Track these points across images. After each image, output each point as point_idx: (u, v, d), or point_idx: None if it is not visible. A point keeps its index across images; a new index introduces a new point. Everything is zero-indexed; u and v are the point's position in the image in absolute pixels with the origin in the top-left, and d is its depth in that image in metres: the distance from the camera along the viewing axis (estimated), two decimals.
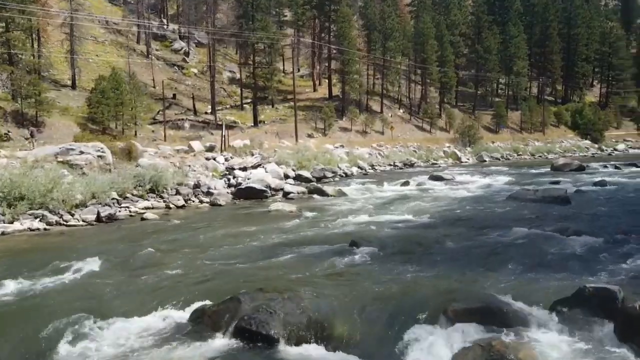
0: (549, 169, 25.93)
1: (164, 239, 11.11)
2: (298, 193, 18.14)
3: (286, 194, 18.14)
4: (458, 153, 42.01)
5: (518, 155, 47.38)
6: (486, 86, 71.29)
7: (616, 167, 25.42)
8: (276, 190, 19.42)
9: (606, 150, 56.92)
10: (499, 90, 77.61)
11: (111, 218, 13.82)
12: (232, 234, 11.42)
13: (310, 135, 40.92)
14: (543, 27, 77.05)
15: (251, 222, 13.17)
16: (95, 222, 13.55)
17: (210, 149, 26.65)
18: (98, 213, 13.71)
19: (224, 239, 10.95)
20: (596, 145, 58.55)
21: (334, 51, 51.84)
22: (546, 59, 75.45)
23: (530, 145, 52.93)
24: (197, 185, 18.12)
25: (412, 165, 36.31)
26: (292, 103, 39.18)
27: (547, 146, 52.49)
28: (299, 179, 22.92)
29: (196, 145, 26.18)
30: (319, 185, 19.05)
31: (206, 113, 42.28)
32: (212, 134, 34.42)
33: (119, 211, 14.61)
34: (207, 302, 6.25)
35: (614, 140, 62.70)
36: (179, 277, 7.77)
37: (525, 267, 7.87)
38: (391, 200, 15.71)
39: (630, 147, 60.14)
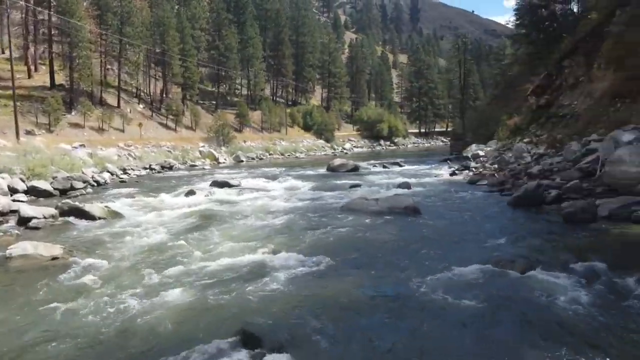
0: (326, 170, 25.76)
1: None
2: (45, 217, 12.19)
3: (24, 221, 11.91)
4: (215, 153, 39.34)
5: (270, 154, 47.67)
6: (227, 85, 70.67)
7: (384, 167, 26.85)
8: (3, 214, 13.04)
9: (337, 148, 63.07)
10: (236, 90, 78.45)
11: None
12: None
13: (30, 132, 31.98)
14: (276, 31, 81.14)
15: None
16: None
17: None
18: None
19: None
20: (329, 144, 64.27)
21: (55, 30, 42.37)
22: (280, 62, 79.66)
23: (278, 145, 54.16)
24: None
25: (170, 168, 31.87)
26: None
27: (293, 145, 54.73)
28: (34, 192, 16.40)
29: None
30: (74, 202, 13.42)
31: None
32: None
33: None
34: None
35: (341, 140, 70.22)
36: None
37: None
38: (197, 221, 11.53)
39: (355, 147, 68.43)
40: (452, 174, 20.44)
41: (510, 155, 19.17)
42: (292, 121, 73.62)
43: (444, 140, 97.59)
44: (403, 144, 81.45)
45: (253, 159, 42.98)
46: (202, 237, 10.13)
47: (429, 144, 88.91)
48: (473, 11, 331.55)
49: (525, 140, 20.91)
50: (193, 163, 35.41)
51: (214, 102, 68.12)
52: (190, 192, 16.47)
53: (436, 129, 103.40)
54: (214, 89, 70.83)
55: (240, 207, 13.91)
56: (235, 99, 72.02)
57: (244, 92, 77.10)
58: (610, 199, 10.76)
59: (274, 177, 22.12)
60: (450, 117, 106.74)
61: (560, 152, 15.67)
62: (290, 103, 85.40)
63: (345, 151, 62.05)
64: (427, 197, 14.62)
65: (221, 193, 16.80)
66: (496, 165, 19.23)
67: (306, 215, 12.23)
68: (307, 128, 72.08)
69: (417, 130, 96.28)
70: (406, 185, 16.27)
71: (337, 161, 26.29)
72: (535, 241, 9.08)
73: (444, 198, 14.56)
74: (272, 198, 15.39)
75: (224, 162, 38.99)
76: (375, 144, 75.47)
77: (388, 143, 78.38)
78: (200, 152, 39.03)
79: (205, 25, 68.15)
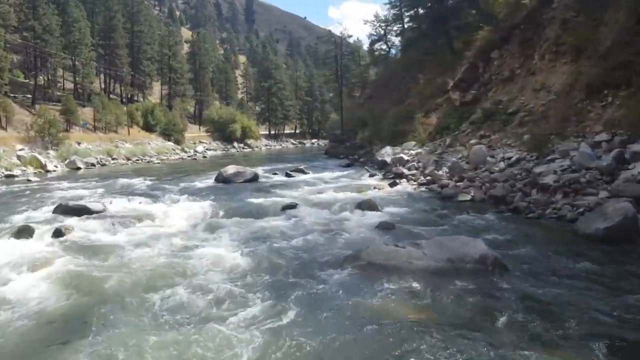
0: (215, 181, 20.00)
1: None
2: None
3: None
4: (41, 159, 30.04)
5: (114, 159, 38.95)
6: (48, 75, 58.16)
7: (287, 175, 22.09)
8: None
9: (189, 151, 56.02)
10: (59, 84, 65.64)
11: None
12: None
13: None
14: (107, 16, 70.12)
15: None
16: None
17: None
18: None
19: None
20: (180, 147, 56.83)
21: None
22: (113, 52, 68.86)
23: (121, 147, 45.24)
24: None
25: None
26: None
27: (140, 148, 46.21)
28: None
29: None
30: None
31: None
32: None
33: None
34: None
35: (192, 142, 63.02)
36: None
37: None
38: (48, 329, 5.81)
39: (208, 149, 61.84)
40: (393, 184, 16.72)
41: (459, 158, 16.23)
42: (131, 120, 63.90)
43: (294, 142, 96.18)
44: (257, 147, 77.09)
45: (93, 165, 34.28)
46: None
47: (280, 147, 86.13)
48: (305, 17, 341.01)
49: (458, 142, 18.30)
50: (10, 172, 26.13)
51: (30, 96, 55.35)
52: (24, 232, 9.82)
53: (285, 131, 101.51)
54: (28, 80, 57.70)
55: (126, 264, 7.97)
56: (59, 93, 59.77)
57: (69, 85, 64.80)
58: None
59: (151, 195, 15.88)
60: (298, 119, 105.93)
61: (551, 156, 13.00)
62: (125, 100, 74.69)
63: (198, 153, 55.33)
64: (443, 229, 10.40)
65: (79, 229, 10.37)
66: (447, 173, 16.06)
67: (278, 285, 6.82)
68: (148, 128, 63.12)
69: (266, 132, 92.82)
70: (371, 206, 11.87)
71: (231, 168, 20.78)
72: None
73: (470, 230, 10.34)
74: (179, 236, 9.67)
75: (54, 170, 30.10)
76: (229, 147, 69.71)
77: (242, 145, 73.24)
78: (20, 157, 29.45)
79: None
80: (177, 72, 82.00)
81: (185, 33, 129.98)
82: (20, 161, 28.83)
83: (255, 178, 20.15)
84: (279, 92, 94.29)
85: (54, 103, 56.19)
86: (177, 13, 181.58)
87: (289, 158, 46.55)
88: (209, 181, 20.34)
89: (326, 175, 22.01)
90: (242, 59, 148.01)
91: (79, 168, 31.99)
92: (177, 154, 50.81)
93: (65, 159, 32.61)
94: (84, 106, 62.12)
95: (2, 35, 47.66)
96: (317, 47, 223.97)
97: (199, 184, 19.67)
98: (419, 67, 34.89)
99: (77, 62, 59.65)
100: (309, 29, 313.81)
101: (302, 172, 22.89)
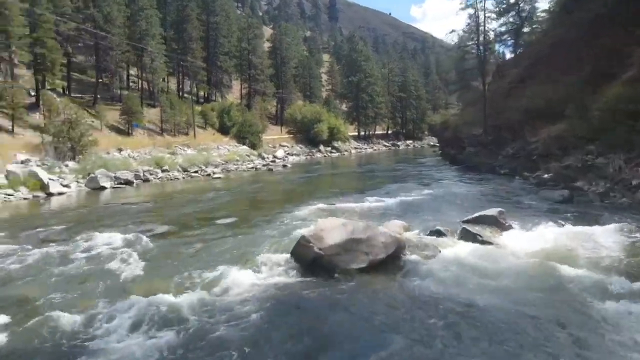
0: (292, 258, 8.40)
1: None
2: None
3: None
4: (43, 175, 20.40)
5: (163, 171, 29.05)
6: (112, 71, 50.60)
7: (476, 239, 9.81)
8: None
9: (267, 157, 45.70)
10: (131, 83, 58.66)
11: None
12: None
13: None
14: (180, 5, 62.32)
15: None
16: None
17: None
18: None
19: None
20: (256, 152, 46.74)
21: None
22: (186, 46, 60.72)
23: (179, 154, 35.63)
24: None
25: None
26: None
27: (203, 154, 36.23)
28: None
29: None
30: None
31: None
32: None
33: None
34: None
35: (270, 145, 52.90)
36: None
37: None
38: None
39: (289, 154, 51.31)
40: None
41: None
42: (205, 122, 55.28)
43: (386, 144, 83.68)
44: (345, 150, 65.68)
45: (127, 183, 24.50)
46: None
47: (372, 150, 74.09)
48: (390, 13, 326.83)
49: None
50: None
51: (93, 96, 48.13)
52: None
53: (377, 132, 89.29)
54: (97, 77, 50.55)
55: None
56: (127, 92, 52.37)
57: (141, 83, 57.47)
58: None
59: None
60: (390, 118, 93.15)
61: None
62: (202, 100, 66.70)
63: (277, 160, 44.77)
64: None
65: None
66: None
67: None
68: (224, 130, 54.11)
69: (355, 133, 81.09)
70: None
71: (328, 227, 8.39)
72: None
73: None
74: None
75: (62, 193, 20.48)
76: (313, 150, 59.00)
77: (329, 149, 62.18)
78: (10, 173, 19.94)
79: None
80: (257, 68, 72.99)
81: (268, 33, 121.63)
82: (8, 180, 19.40)
83: (396, 254, 8.30)
84: (369, 88, 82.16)
85: (119, 104, 48.91)
86: (260, 13, 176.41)
87: (398, 168, 34.60)
88: (279, 256, 8.93)
89: (566, 241, 9.57)
90: (325, 57, 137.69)
91: (103, 188, 22.27)
92: (250, 161, 40.37)
93: (86, 174, 23.08)
94: (153, 106, 54.63)
95: (50, 22, 40.14)
96: (406, 44, 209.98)
97: (247, 274, 8.07)
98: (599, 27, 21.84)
99: (143, 56, 51.62)
100: (394, 26, 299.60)
101: (497, 224, 10.29)
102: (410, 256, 8.84)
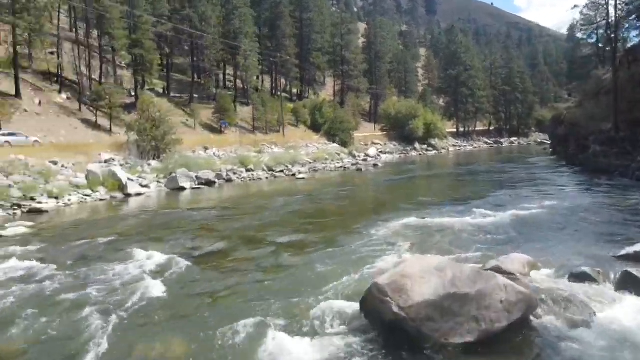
0: (365, 318, 5.87)
1: None
2: None
3: None
4: (122, 175, 19.85)
5: (248, 170, 27.97)
6: (207, 71, 51.32)
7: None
8: None
9: (358, 155, 43.43)
10: (227, 83, 59.43)
11: None
12: None
13: None
14: (273, 3, 62.03)
15: None
16: None
17: None
18: None
19: None
20: (346, 150, 44.67)
21: None
22: (279, 43, 60.27)
23: (266, 152, 34.59)
24: None
25: None
26: None
27: (290, 153, 34.90)
28: None
29: None
30: None
31: None
32: None
33: None
34: None
35: (362, 143, 50.55)
36: None
37: None
38: None
39: (382, 152, 48.61)
40: None
41: None
42: (297, 119, 54.34)
43: (488, 141, 77.67)
44: (443, 148, 61.44)
45: (206, 184, 23.70)
46: None
47: (472, 147, 68.87)
48: (492, 3, 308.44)
49: None
50: (36, 204, 16.04)
51: (189, 95, 49.13)
52: None
53: (477, 128, 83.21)
54: (193, 77, 51.66)
55: None
56: (221, 91, 52.99)
57: (235, 82, 58.00)
58: None
59: None
60: (493, 113, 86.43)
61: None
62: (295, 98, 66.09)
63: (368, 159, 42.30)
64: None
65: None
66: None
67: None
68: (316, 128, 52.79)
69: (453, 130, 76.03)
70: None
71: (412, 268, 5.79)
72: None
73: None
74: None
75: (139, 193, 19.84)
76: (408, 148, 55.73)
77: (425, 147, 58.45)
78: (90, 173, 19.57)
79: None
80: (350, 64, 70.93)
81: (362, 29, 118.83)
82: (88, 180, 19.04)
83: (524, 318, 5.49)
84: (470, 81, 76.58)
85: (213, 102, 49.53)
86: (355, 9, 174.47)
87: (504, 170, 30.70)
88: (345, 306, 6.43)
89: None
90: (422, 52, 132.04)
91: (183, 188, 21.40)
92: (339, 160, 38.36)
93: (167, 174, 22.40)
94: (247, 104, 54.85)
95: (148, 23, 41.16)
96: (510, 33, 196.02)
97: (293, 336, 5.72)
98: None
99: (237, 55, 51.73)
100: (496, 16, 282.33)
101: None
102: (546, 321, 5.85)
